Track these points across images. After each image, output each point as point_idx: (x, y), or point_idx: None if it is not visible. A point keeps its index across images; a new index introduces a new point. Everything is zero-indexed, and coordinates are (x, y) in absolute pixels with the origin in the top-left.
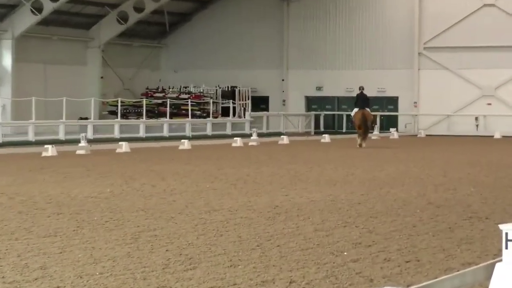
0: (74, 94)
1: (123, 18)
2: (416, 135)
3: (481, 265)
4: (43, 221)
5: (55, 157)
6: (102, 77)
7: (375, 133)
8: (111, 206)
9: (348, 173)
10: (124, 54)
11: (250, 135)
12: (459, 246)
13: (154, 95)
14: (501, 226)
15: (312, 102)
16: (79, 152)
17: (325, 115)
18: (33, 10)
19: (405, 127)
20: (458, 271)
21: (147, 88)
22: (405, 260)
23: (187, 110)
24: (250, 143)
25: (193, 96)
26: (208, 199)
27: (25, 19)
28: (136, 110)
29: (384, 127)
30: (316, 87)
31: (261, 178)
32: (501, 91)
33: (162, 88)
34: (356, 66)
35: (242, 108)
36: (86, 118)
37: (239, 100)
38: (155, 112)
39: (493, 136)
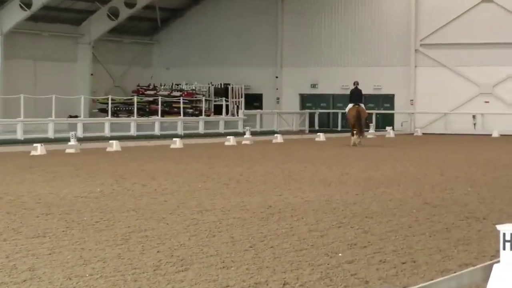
0: (64, 92)
1: (114, 13)
2: (413, 134)
3: (478, 266)
4: (32, 222)
5: (44, 156)
6: (92, 74)
7: (371, 132)
8: (101, 206)
9: (343, 172)
10: (115, 51)
11: (243, 133)
12: (456, 247)
13: (145, 92)
14: (499, 227)
15: (306, 100)
16: (68, 151)
17: (320, 113)
18: (22, 5)
19: (401, 125)
20: (455, 272)
21: (138, 86)
22: (401, 261)
23: (179, 108)
24: (243, 142)
25: (185, 93)
26: (200, 199)
27: (14, 15)
28: (127, 108)
29: (380, 126)
30: (311, 85)
31: (254, 177)
32: (499, 89)
33: (154, 86)
34: (352, 63)
35: (235, 106)
36: (76, 116)
37: (232, 98)
38: (146, 110)
39: (491, 134)
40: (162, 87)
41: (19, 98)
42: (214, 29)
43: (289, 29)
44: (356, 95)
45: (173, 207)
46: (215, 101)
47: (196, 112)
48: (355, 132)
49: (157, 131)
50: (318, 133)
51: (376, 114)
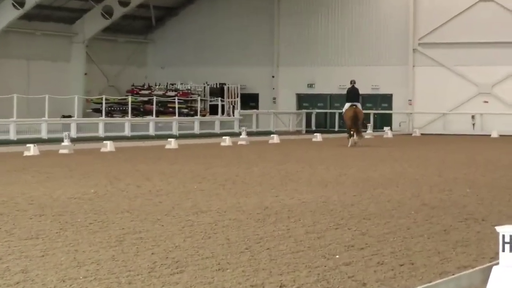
0: (57, 91)
1: (108, 12)
2: (411, 134)
3: (477, 268)
4: (25, 223)
5: (37, 157)
6: (86, 74)
7: (369, 132)
8: (95, 208)
9: (341, 173)
10: (109, 50)
11: (239, 134)
12: (455, 248)
13: (140, 92)
14: (498, 228)
15: (303, 100)
16: (62, 151)
17: (317, 113)
18: (15, 4)
19: (400, 125)
20: (453, 274)
21: (133, 85)
22: (399, 263)
23: (174, 108)
24: (239, 142)
25: (180, 93)
26: (195, 200)
27: (6, 14)
28: (121, 108)
29: (378, 126)
30: (308, 84)
31: (250, 178)
32: (498, 88)
33: (148, 85)
34: (349, 62)
35: (231, 106)
36: (70, 116)
37: (228, 98)
38: (140, 110)
39: (490, 135)
40: (157, 86)
41: (12, 98)
42: (210, 28)
43: (286, 28)
44: (353, 94)
45: (168, 208)
46: (210, 101)
47: (192, 112)
48: (352, 132)
49: (151, 132)
50: (315, 134)
51: (374, 114)
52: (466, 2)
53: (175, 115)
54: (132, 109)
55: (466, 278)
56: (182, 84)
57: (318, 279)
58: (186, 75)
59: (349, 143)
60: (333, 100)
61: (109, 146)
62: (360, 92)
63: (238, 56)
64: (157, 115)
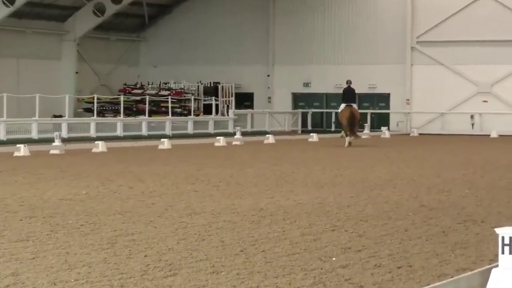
0: (48, 90)
1: (100, 10)
2: (409, 134)
3: (476, 271)
4: (15, 225)
5: (28, 157)
6: (77, 73)
7: (366, 132)
8: (87, 209)
9: (337, 174)
10: (100, 48)
11: (234, 134)
12: (453, 251)
13: (132, 91)
14: (497, 230)
15: (299, 99)
16: (53, 151)
17: (313, 113)
18: (5, 1)
19: (397, 125)
20: (452, 277)
21: (125, 84)
22: (397, 265)
23: (167, 107)
24: (234, 143)
25: (174, 92)
26: (189, 201)
27: None
28: (113, 108)
29: (375, 126)
30: (304, 83)
31: (245, 179)
32: (497, 87)
33: (141, 84)
34: (346, 61)
35: (225, 105)
36: (61, 116)
37: (222, 97)
38: (133, 110)
39: (489, 135)
40: (150, 86)
41: (1, 97)
42: (204, 26)
43: (281, 26)
44: (349, 95)
45: (161, 210)
46: (204, 100)
47: (185, 112)
48: (348, 133)
49: (144, 132)
50: (311, 134)
51: (371, 113)
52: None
53: (168, 115)
54: (124, 108)
55: (465, 280)
56: (175, 83)
57: (314, 282)
58: (179, 74)
59: (346, 143)
60: (329, 99)
61: (100, 146)
62: (357, 91)
63: (233, 55)
64: (149, 115)
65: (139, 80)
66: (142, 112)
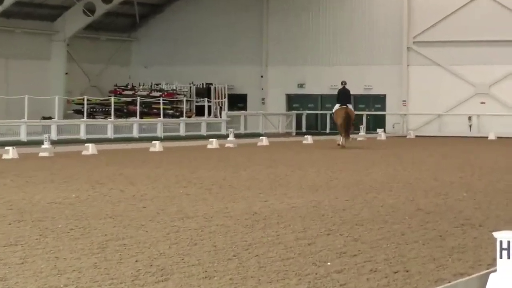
0: (37, 92)
1: (90, 9)
2: (405, 136)
3: (474, 275)
4: (4, 229)
5: (16, 160)
6: (67, 73)
7: (361, 134)
8: (77, 213)
9: (332, 177)
10: (91, 48)
11: (227, 136)
12: (451, 255)
13: (123, 92)
14: (496, 234)
15: (293, 101)
16: (42, 154)
17: (308, 115)
18: None
19: (393, 127)
20: (449, 282)
21: (116, 85)
22: (393, 270)
23: (159, 109)
24: (227, 145)
25: (165, 94)
26: (181, 205)
27: None
28: (104, 109)
29: (371, 128)
30: (298, 84)
31: (238, 182)
32: (495, 88)
33: (132, 85)
34: (341, 61)
35: (218, 107)
36: (50, 118)
37: (215, 98)
38: (124, 111)
39: (487, 137)
40: (141, 87)
41: None
42: (196, 26)
43: (275, 26)
44: (343, 96)
45: (152, 213)
46: (196, 101)
47: (177, 114)
48: (342, 132)
49: (135, 134)
50: (306, 136)
51: (367, 115)
52: None
53: (159, 117)
54: (115, 110)
55: (463, 285)
56: (167, 84)
57: (309, 287)
58: (171, 75)
59: (340, 142)
60: (324, 100)
61: (91, 148)
62: (352, 92)
63: (226, 55)
64: (141, 117)
65: (130, 81)
66: (133, 114)
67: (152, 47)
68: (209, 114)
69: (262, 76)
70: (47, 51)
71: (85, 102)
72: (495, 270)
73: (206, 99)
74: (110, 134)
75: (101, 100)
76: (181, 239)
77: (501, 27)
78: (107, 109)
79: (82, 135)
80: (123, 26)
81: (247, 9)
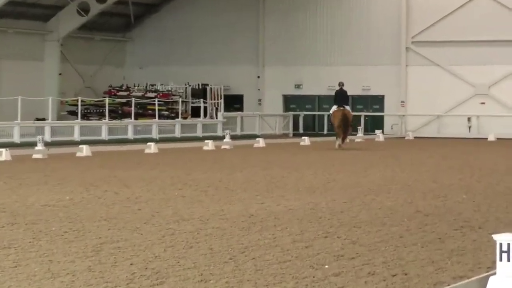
0: (30, 93)
1: (84, 9)
2: (404, 137)
3: (473, 278)
4: None
5: (10, 162)
6: (60, 74)
7: (359, 135)
8: (71, 216)
9: (329, 179)
10: (85, 49)
11: (223, 137)
12: (450, 258)
13: (117, 93)
14: (495, 237)
15: (290, 101)
16: (35, 156)
17: (305, 116)
18: None
19: (392, 128)
20: (448, 285)
21: (110, 86)
22: (391, 273)
23: (154, 110)
24: (223, 146)
25: (161, 94)
26: (176, 207)
27: None
28: (98, 110)
29: (369, 129)
30: (295, 85)
31: (234, 184)
32: (495, 89)
33: (127, 86)
34: (339, 62)
35: (214, 108)
36: (43, 119)
37: (211, 99)
38: (118, 113)
39: (487, 138)
40: (136, 87)
41: None
42: (192, 26)
43: (272, 25)
44: (341, 97)
45: (147, 216)
46: (192, 102)
47: (172, 115)
48: (340, 133)
49: (130, 135)
50: (303, 137)
51: (365, 116)
52: None
53: (155, 118)
54: (110, 111)
55: None
56: (162, 85)
57: None
58: (166, 76)
59: (337, 143)
60: (322, 101)
61: (85, 150)
62: (350, 93)
63: (222, 56)
64: (136, 118)
65: (125, 82)
66: (128, 115)
67: (147, 48)
68: (205, 115)
69: (258, 77)
70: (41, 52)
71: (79, 103)
72: (494, 273)
73: (202, 100)
74: (104, 135)
75: (96, 101)
76: (176, 242)
77: (501, 27)
78: (101, 110)
79: (76, 136)
80: (118, 26)
81: (243, 8)
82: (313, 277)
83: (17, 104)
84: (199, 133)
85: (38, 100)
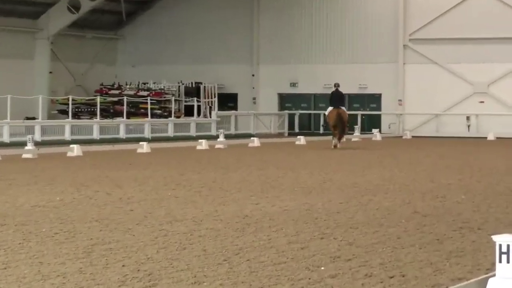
0: (20, 91)
1: (75, 6)
2: (401, 137)
3: (472, 280)
4: None
5: None
6: (51, 72)
7: (356, 134)
8: (61, 217)
9: (326, 179)
10: (75, 47)
11: (217, 136)
12: (448, 259)
13: (109, 92)
14: (495, 238)
15: (285, 100)
16: (25, 156)
17: (300, 115)
18: None
19: (389, 127)
20: (447, 287)
21: (102, 85)
22: (389, 275)
23: (146, 109)
24: (217, 146)
25: (153, 93)
26: (169, 208)
27: None
28: (89, 109)
29: (366, 128)
30: (290, 83)
31: (228, 184)
32: (494, 87)
33: (119, 85)
34: (335, 60)
35: (208, 106)
36: (34, 118)
37: (204, 98)
38: (110, 111)
39: (486, 137)
40: (128, 86)
41: None
42: (185, 23)
43: (266, 23)
44: (336, 98)
45: (140, 217)
46: (185, 101)
47: (165, 114)
48: (336, 133)
49: (122, 135)
50: (299, 136)
51: (362, 115)
52: None
53: (147, 117)
54: (101, 110)
55: None
56: (154, 83)
57: None
58: (159, 74)
59: (333, 143)
60: (318, 100)
61: (76, 150)
62: (347, 91)
63: (216, 53)
64: (128, 117)
65: (117, 80)
66: (119, 114)
67: (139, 45)
68: (199, 114)
69: (253, 75)
70: (31, 50)
71: (70, 102)
72: (494, 275)
73: (195, 98)
74: (95, 135)
75: (87, 100)
76: (169, 243)
77: (500, 24)
78: (92, 109)
79: (67, 136)
80: (109, 23)
81: (238, 5)
82: (309, 279)
83: (7, 103)
84: (192, 132)
85: (28, 99)
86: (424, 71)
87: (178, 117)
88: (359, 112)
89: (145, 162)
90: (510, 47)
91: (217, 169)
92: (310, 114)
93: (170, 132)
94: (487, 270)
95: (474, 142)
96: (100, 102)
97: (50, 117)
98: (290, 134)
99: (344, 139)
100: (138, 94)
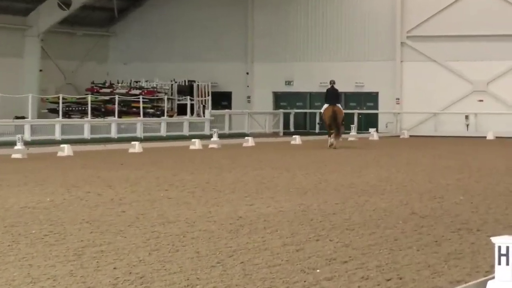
0: (9, 90)
1: (65, 3)
2: (399, 136)
3: (471, 283)
4: None
5: None
6: (41, 70)
7: (353, 134)
8: (51, 218)
9: (321, 179)
10: (66, 44)
11: (210, 136)
12: (447, 261)
13: (100, 90)
14: (494, 239)
15: (280, 99)
16: (14, 156)
17: (296, 114)
18: None
19: (386, 126)
20: None
21: (93, 83)
22: (386, 278)
23: (138, 108)
24: (210, 146)
25: (145, 92)
26: (162, 209)
27: None
28: (80, 108)
29: (363, 127)
30: (285, 82)
31: (222, 185)
32: (494, 86)
33: (110, 83)
34: (331, 57)
35: (201, 105)
36: (23, 117)
37: (198, 97)
38: (101, 110)
39: (485, 136)
40: (120, 84)
41: None
42: (178, 20)
43: (261, 20)
44: (332, 95)
45: (131, 218)
46: (178, 100)
47: (158, 113)
48: (332, 132)
49: (113, 134)
50: (294, 136)
51: (358, 114)
52: None
53: (139, 116)
54: (92, 109)
55: None
56: (147, 81)
57: None
58: (151, 72)
59: (328, 143)
60: (313, 99)
61: (66, 150)
62: (343, 90)
63: (209, 51)
64: (119, 116)
65: (108, 78)
66: (111, 113)
67: (131, 43)
68: (192, 113)
69: (247, 73)
70: (20, 47)
71: (61, 101)
72: (493, 277)
73: (188, 97)
74: (86, 134)
75: (77, 99)
76: (162, 245)
77: (499, 21)
78: (83, 108)
79: (57, 135)
80: (101, 20)
81: (232, 2)
82: (304, 281)
83: None
84: (185, 131)
85: (17, 98)
86: (422, 69)
87: (171, 116)
88: (356, 111)
89: (137, 162)
90: (509, 44)
91: (211, 169)
92: (305, 113)
93: (163, 132)
94: (486, 273)
95: (473, 142)
96: (91, 101)
97: (40, 116)
98: (285, 134)
99: (340, 139)
100: (130, 92)
